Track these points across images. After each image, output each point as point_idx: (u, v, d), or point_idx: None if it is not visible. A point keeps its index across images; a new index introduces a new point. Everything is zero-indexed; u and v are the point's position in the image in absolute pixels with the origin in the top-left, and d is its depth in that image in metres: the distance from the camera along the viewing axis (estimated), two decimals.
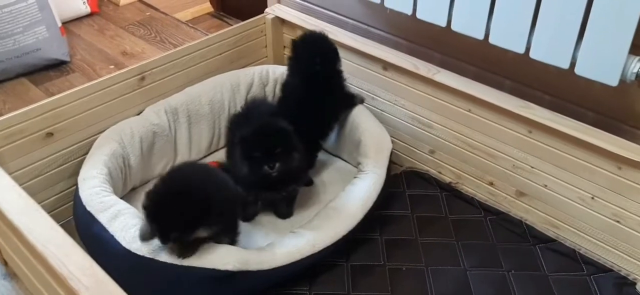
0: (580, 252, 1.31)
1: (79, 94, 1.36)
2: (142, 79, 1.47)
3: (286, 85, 1.51)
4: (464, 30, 1.28)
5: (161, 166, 1.50)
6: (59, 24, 2.03)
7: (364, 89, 1.58)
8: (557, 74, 1.21)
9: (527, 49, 1.20)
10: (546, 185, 1.32)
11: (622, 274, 1.26)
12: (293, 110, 1.43)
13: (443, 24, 1.31)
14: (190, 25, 2.42)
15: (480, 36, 1.26)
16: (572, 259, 1.32)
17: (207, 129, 1.57)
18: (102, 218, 1.17)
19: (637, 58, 1.09)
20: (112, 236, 1.13)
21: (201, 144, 1.57)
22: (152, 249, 1.11)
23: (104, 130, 1.41)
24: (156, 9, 2.49)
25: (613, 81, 1.09)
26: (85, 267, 0.93)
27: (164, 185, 1.14)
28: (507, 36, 1.21)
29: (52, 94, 1.86)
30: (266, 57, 1.76)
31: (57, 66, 2.03)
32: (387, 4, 1.40)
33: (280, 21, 1.72)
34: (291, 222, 1.39)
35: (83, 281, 0.90)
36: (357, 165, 1.45)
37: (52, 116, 1.32)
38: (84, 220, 1.19)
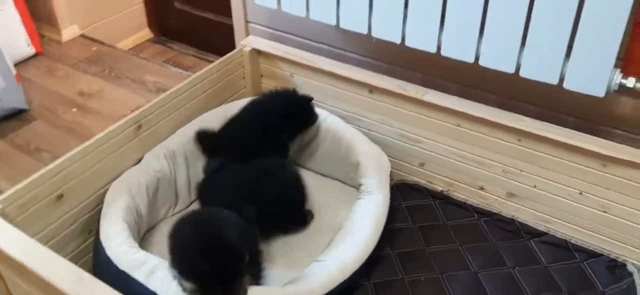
0: (572, 241, 1.46)
1: (83, 153, 1.34)
2: (139, 127, 1.46)
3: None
4: (454, 55, 1.38)
5: (164, 210, 1.51)
6: (14, 71, 1.95)
7: (350, 112, 1.66)
8: (543, 87, 1.34)
9: (517, 68, 1.32)
10: (536, 186, 1.45)
11: (611, 257, 1.42)
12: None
13: (433, 50, 1.41)
14: (142, 57, 2.39)
15: (471, 59, 1.37)
16: (565, 249, 1.46)
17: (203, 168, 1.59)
18: (139, 275, 1.17)
19: (618, 70, 1.24)
20: (154, 293, 1.15)
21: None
22: None
23: (108, 184, 1.40)
24: (101, 43, 2.43)
25: (600, 93, 1.23)
26: None
27: (197, 243, 1.13)
28: (498, 58, 1.33)
29: (19, 146, 1.82)
30: (245, 88, 1.79)
31: (16, 115, 1.96)
32: (374, 34, 1.48)
33: (256, 52, 1.76)
34: (308, 250, 1.45)
35: None
36: (358, 186, 1.52)
37: (61, 179, 1.30)
38: (119, 280, 1.19)
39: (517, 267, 1.42)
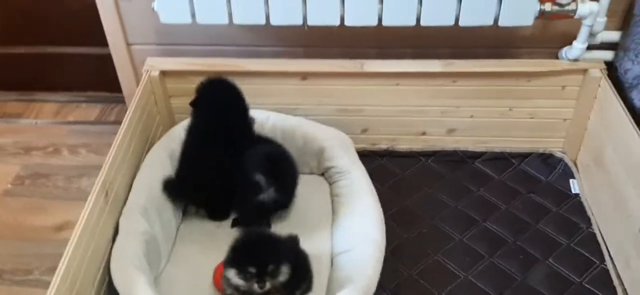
0: (506, 151, 1.71)
1: (75, 254, 1.14)
2: (106, 195, 1.27)
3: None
4: (396, 22, 1.47)
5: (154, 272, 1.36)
6: None
7: (283, 104, 1.64)
8: (468, 31, 1.51)
9: (456, 19, 1.47)
10: (472, 116, 1.66)
11: (539, 152, 1.71)
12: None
13: (374, 23, 1.48)
14: None
15: (413, 23, 1.47)
16: (504, 159, 1.71)
17: (172, 212, 1.45)
18: None
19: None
20: None
21: (171, 231, 1.45)
22: None
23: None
24: None
25: (529, 22, 1.45)
26: None
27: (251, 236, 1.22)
28: (438, 15, 1.46)
29: None
30: (159, 113, 1.64)
31: None
32: (310, 22, 1.48)
33: (162, 74, 1.61)
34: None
35: None
36: (326, 170, 1.56)
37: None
38: None
39: (481, 189, 1.63)
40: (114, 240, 1.29)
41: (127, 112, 1.46)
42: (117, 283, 1.19)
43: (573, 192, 1.61)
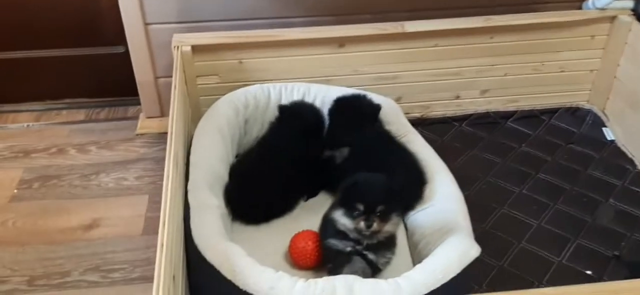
0: (536, 109, 1.73)
1: (169, 236, 1.00)
2: (177, 167, 1.14)
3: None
4: None
5: None
6: None
7: (317, 75, 1.57)
8: None
9: None
10: (506, 74, 1.66)
11: (567, 106, 1.73)
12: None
13: None
14: None
15: None
16: (535, 116, 1.73)
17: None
18: None
19: None
20: None
21: None
22: None
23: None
24: None
25: None
26: None
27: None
28: None
29: None
30: (189, 95, 1.51)
31: None
32: None
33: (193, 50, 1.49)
34: None
35: None
36: None
37: None
38: None
39: (523, 145, 1.63)
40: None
41: (172, 88, 1.33)
42: (210, 257, 1.05)
43: (608, 138, 1.65)
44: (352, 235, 1.11)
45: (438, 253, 1.10)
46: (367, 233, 1.09)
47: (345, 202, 1.11)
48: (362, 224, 1.08)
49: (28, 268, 1.32)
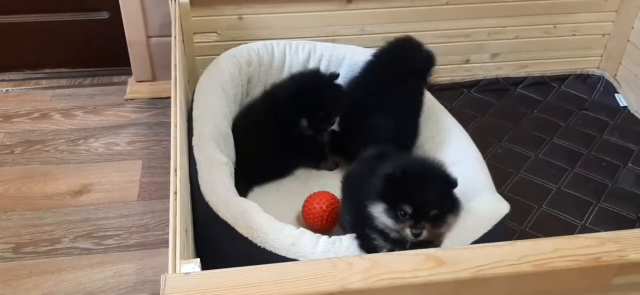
0: (546, 75, 1.66)
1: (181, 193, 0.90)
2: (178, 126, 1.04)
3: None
4: None
5: None
6: None
7: (322, 34, 1.47)
8: None
9: None
10: (517, 36, 1.59)
11: (578, 73, 1.68)
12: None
13: None
14: None
15: None
16: (545, 84, 1.66)
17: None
18: None
19: None
20: None
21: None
22: None
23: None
24: None
25: None
26: None
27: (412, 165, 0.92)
28: None
29: None
30: (186, 53, 1.40)
31: None
32: None
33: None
34: None
35: None
36: None
37: None
38: None
39: (535, 111, 1.56)
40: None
41: (172, 45, 1.22)
42: (224, 214, 0.96)
43: (621, 105, 1.60)
44: (393, 235, 0.88)
45: (467, 211, 1.03)
46: (415, 241, 0.86)
47: (387, 198, 0.86)
48: (408, 232, 0.85)
49: (13, 235, 1.21)
